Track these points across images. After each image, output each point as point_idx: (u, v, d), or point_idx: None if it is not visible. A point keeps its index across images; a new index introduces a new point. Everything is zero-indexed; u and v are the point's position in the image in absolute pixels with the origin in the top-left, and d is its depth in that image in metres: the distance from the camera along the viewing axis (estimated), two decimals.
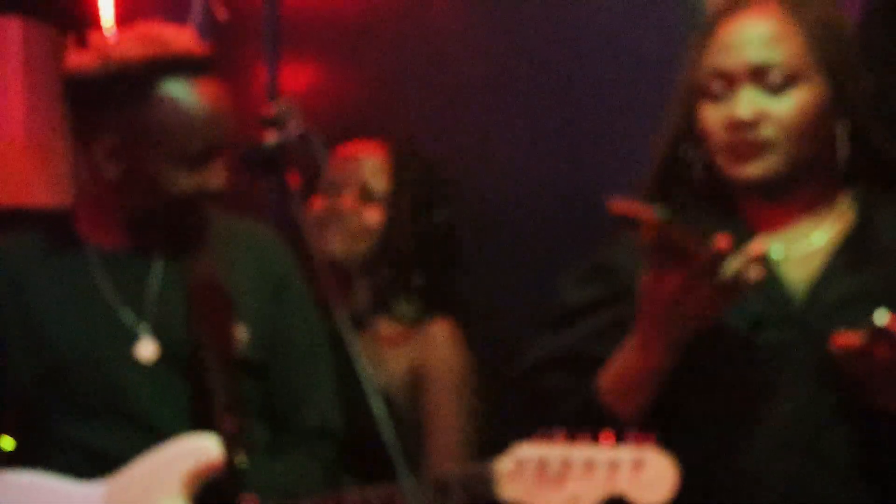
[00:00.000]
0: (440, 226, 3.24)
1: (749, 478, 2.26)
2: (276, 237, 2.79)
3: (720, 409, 2.28)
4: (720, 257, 2.13)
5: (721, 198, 2.36)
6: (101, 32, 2.61)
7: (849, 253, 2.31)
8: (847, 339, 2.15)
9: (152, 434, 2.55)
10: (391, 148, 3.23)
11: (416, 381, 3.15)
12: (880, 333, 2.10)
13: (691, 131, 2.35)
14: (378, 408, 2.20)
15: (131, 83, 2.54)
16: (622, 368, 2.28)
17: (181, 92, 2.54)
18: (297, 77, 3.81)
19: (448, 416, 3.14)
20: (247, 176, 2.50)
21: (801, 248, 2.34)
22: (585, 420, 2.30)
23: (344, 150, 3.23)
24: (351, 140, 3.24)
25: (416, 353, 3.16)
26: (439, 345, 3.17)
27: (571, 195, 3.37)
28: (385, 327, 3.20)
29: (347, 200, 3.18)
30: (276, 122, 2.38)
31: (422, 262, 3.21)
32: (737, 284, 2.15)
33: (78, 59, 2.60)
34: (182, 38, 2.58)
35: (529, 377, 2.43)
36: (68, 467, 2.57)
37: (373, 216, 3.19)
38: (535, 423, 2.42)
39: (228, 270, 2.65)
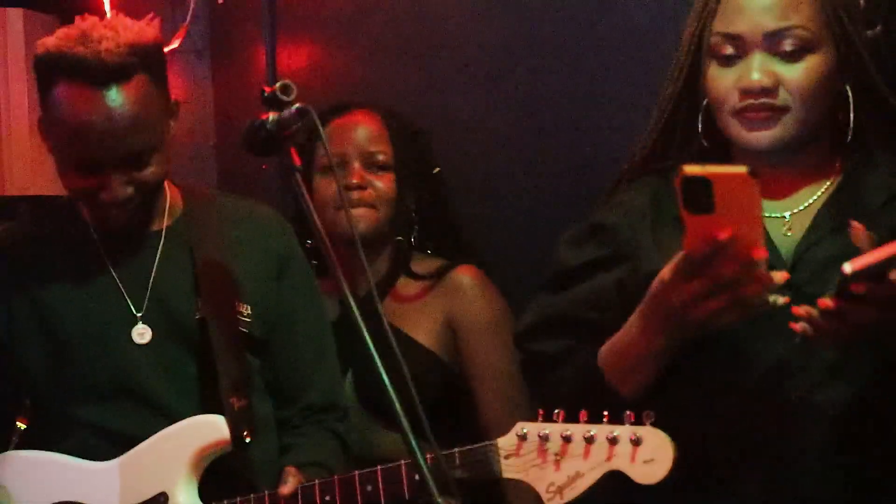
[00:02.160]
0: (439, 181, 3.27)
1: (737, 442, 2.27)
2: (278, 217, 2.82)
3: (708, 373, 2.29)
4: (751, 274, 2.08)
5: (719, 161, 2.36)
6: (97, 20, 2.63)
7: (833, 213, 2.30)
8: (809, 309, 2.10)
9: (161, 413, 2.59)
10: (383, 115, 3.24)
11: (453, 331, 3.15)
12: (849, 280, 2.04)
13: (695, 92, 2.36)
14: (386, 380, 2.23)
15: (41, 74, 2.57)
16: (624, 347, 2.28)
17: (73, 100, 2.51)
18: (295, 57, 3.83)
19: (490, 361, 3.13)
20: (248, 155, 2.52)
21: (794, 208, 2.35)
22: (585, 391, 2.32)
23: (338, 123, 3.23)
24: (342, 113, 3.25)
25: (445, 304, 3.16)
26: (467, 291, 3.17)
27: (566, 171, 3.40)
28: (405, 287, 3.21)
29: (355, 175, 3.18)
30: (274, 102, 2.40)
31: (433, 218, 3.24)
32: (755, 307, 2.12)
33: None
34: (110, 41, 2.51)
35: (526, 340, 2.44)
36: (81, 447, 2.62)
37: (384, 184, 3.19)
38: (533, 387, 2.46)
39: (231, 249, 2.69)
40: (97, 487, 2.60)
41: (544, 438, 2.29)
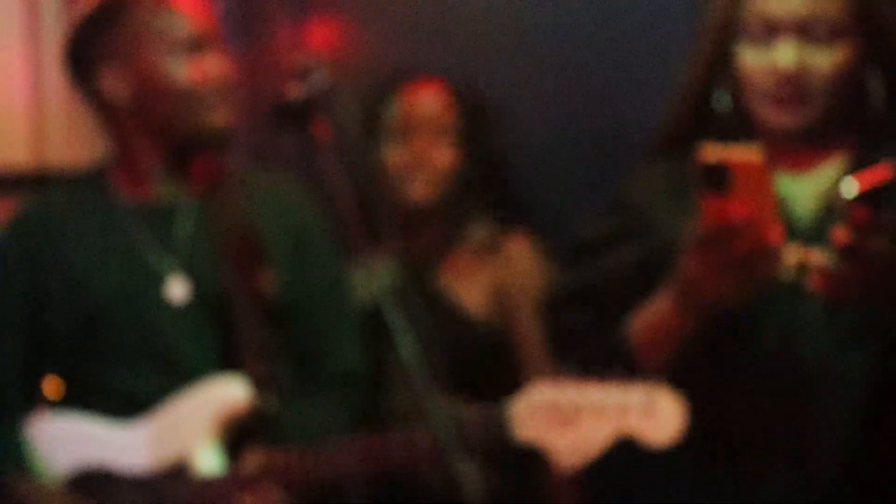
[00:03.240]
0: (503, 151, 3.31)
1: (757, 417, 2.30)
2: (300, 187, 2.86)
3: (723, 346, 2.30)
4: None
5: (741, 139, 2.36)
6: None
7: None
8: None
9: (185, 378, 2.64)
10: (450, 85, 3.27)
11: (502, 302, 3.20)
12: (852, 205, 2.07)
13: (726, 69, 2.38)
14: (406, 351, 2.26)
15: (112, 8, 2.71)
16: (650, 321, 2.30)
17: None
18: (324, 33, 3.86)
19: (539, 331, 3.16)
20: (275, 129, 2.56)
21: (811, 186, 2.37)
22: (612, 366, 2.34)
23: (407, 90, 3.27)
24: (412, 79, 3.28)
25: (498, 273, 3.21)
26: (521, 259, 3.22)
27: (594, 147, 3.42)
28: (461, 257, 3.25)
29: (420, 145, 3.22)
30: (303, 76, 2.43)
31: (495, 188, 3.28)
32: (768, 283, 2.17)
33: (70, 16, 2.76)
34: None
35: (551, 314, 2.47)
36: (107, 411, 2.67)
37: (446, 156, 3.22)
38: (560, 361, 2.48)
39: (256, 219, 2.73)
40: (123, 450, 2.64)
41: (557, 401, 2.32)
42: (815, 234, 2.31)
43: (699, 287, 2.18)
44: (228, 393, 2.63)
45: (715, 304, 2.19)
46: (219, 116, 2.70)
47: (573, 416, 2.31)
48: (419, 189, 3.20)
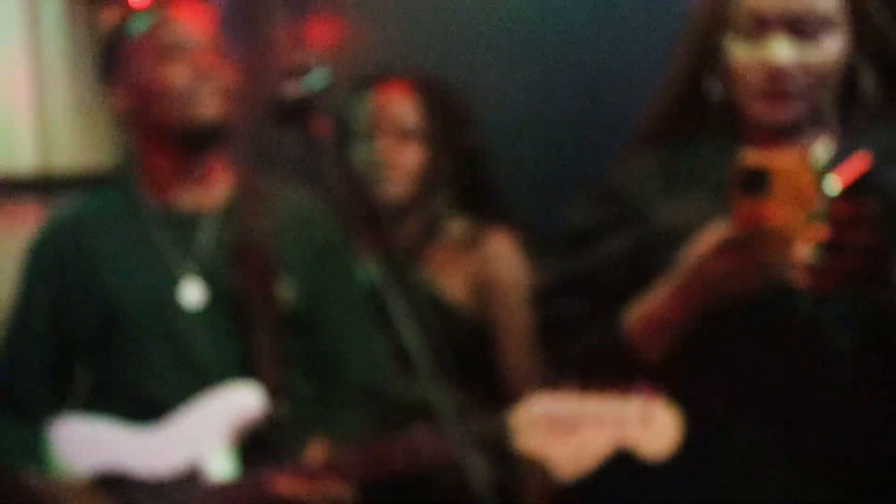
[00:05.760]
0: (476, 145, 3.34)
1: (755, 399, 2.30)
2: (321, 204, 2.89)
3: (719, 329, 2.30)
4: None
5: (730, 134, 2.38)
6: None
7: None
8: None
9: (204, 381, 2.70)
10: (415, 84, 3.31)
11: (483, 295, 3.25)
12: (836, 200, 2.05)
13: (714, 64, 2.37)
14: (419, 356, 2.27)
15: (112, 30, 2.83)
16: (653, 312, 2.31)
17: (149, 19, 2.80)
18: (323, 32, 3.88)
19: (520, 324, 3.20)
20: (274, 127, 2.57)
21: None
22: (609, 356, 2.35)
23: (372, 93, 3.31)
24: (376, 82, 3.32)
25: (477, 268, 3.26)
26: (500, 255, 3.26)
27: (582, 139, 3.45)
28: (442, 251, 3.29)
29: (386, 145, 3.27)
30: (302, 75, 2.44)
31: (467, 182, 3.32)
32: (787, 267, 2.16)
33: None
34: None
35: (543, 303, 2.47)
36: (128, 413, 2.72)
37: (413, 156, 3.27)
38: (552, 351, 2.49)
39: (275, 232, 2.79)
40: (139, 454, 2.69)
41: (556, 413, 2.35)
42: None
43: (714, 285, 2.19)
44: (243, 400, 2.68)
45: (722, 301, 2.21)
46: (210, 108, 2.75)
47: (572, 427, 2.33)
48: (389, 188, 3.25)
